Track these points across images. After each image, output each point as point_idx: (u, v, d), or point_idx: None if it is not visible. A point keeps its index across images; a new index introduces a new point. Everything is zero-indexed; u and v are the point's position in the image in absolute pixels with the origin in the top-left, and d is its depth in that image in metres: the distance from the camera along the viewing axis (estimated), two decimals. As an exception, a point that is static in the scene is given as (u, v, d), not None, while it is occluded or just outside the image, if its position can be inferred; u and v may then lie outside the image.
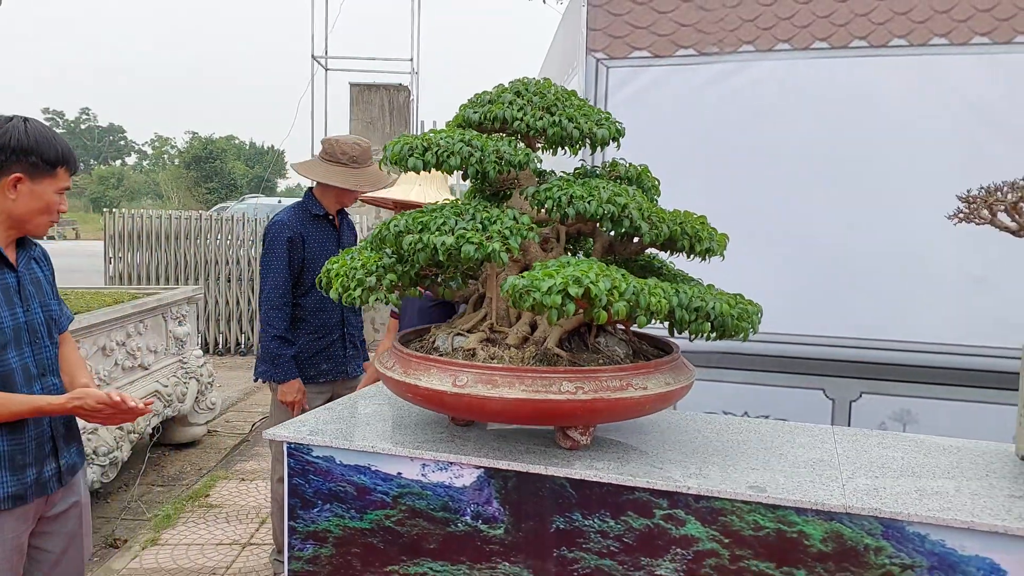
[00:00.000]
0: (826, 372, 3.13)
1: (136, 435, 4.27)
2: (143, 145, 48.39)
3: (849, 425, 3.10)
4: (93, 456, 3.77)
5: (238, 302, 9.30)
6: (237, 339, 9.35)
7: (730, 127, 3.18)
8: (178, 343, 5.15)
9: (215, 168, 38.69)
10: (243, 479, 4.36)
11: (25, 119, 2.00)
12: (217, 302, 9.35)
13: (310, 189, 3.49)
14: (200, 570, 3.34)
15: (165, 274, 9.41)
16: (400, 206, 3.24)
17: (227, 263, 9.36)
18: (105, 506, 4.08)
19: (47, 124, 2.06)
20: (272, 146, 47.35)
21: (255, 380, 3.36)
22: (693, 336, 1.81)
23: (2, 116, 2.02)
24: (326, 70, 9.97)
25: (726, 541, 1.73)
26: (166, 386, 4.79)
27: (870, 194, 3.02)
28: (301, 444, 1.99)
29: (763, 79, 3.13)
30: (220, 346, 9.38)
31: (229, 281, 9.32)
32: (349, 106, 10.18)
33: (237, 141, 45.71)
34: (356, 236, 3.67)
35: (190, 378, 5.16)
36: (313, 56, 9.71)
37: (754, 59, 3.14)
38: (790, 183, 3.11)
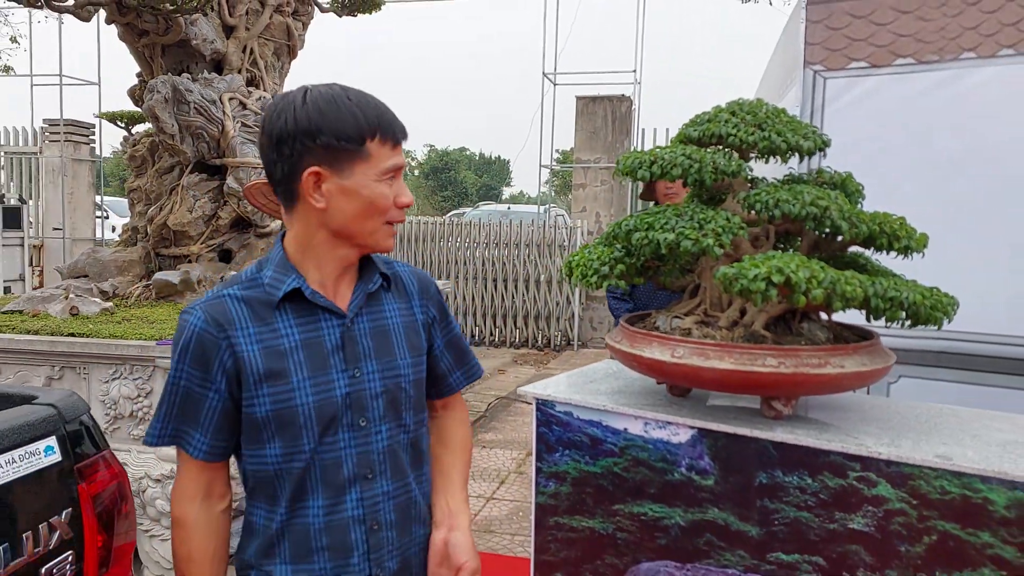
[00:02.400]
0: (1048, 374, 3.12)
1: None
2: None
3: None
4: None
5: (474, 298, 10.25)
6: (472, 332, 10.30)
7: (948, 132, 3.26)
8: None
9: (449, 178, 41.57)
10: (484, 447, 5.06)
11: (307, 89, 1.37)
12: (456, 298, 10.36)
13: None
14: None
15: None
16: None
17: (464, 263, 10.34)
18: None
19: (349, 87, 1.36)
20: (499, 156, 49.90)
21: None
22: (889, 323, 2.06)
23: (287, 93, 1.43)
24: (555, 85, 10.65)
25: (914, 503, 1.96)
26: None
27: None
28: (547, 400, 2.48)
29: (985, 84, 3.18)
30: (456, 339, 10.39)
31: (467, 279, 10.29)
32: (575, 117, 10.79)
33: (468, 152, 48.69)
34: None
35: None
36: (544, 73, 10.44)
37: (976, 65, 3.20)
38: (1011, 186, 3.14)
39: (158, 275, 4.35)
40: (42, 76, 11.91)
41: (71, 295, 3.93)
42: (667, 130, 10.49)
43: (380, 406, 1.44)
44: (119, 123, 7.91)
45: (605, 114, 10.86)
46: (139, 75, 4.98)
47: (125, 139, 5.52)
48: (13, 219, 10.89)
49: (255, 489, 1.42)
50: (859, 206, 2.40)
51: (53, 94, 12.02)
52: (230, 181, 4.46)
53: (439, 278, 10.39)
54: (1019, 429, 2.19)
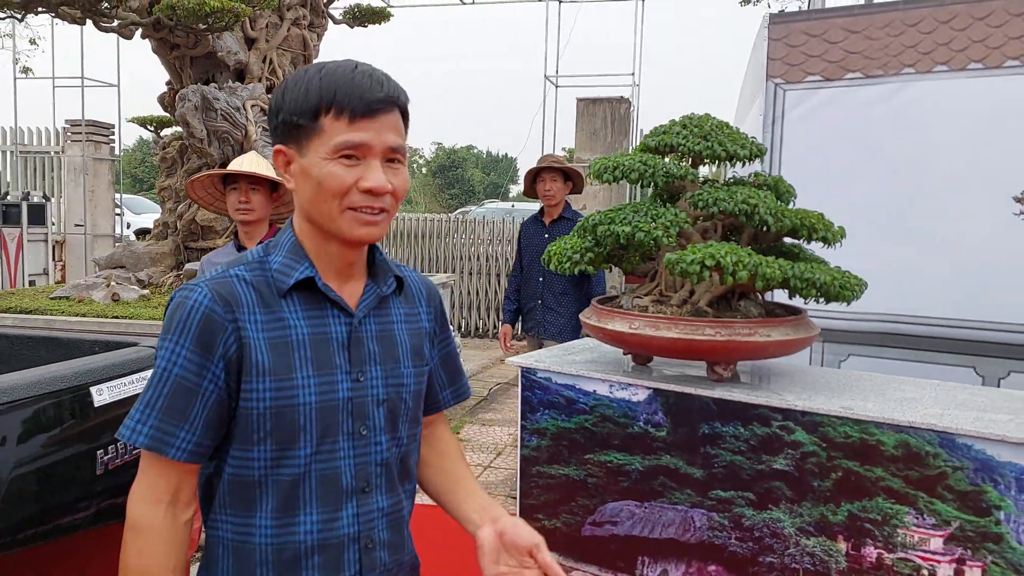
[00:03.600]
0: (977, 352, 3.54)
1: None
2: (396, 156, 53.73)
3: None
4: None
5: (478, 292, 10.71)
6: (477, 325, 10.76)
7: (892, 137, 3.69)
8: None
9: (456, 176, 42.02)
10: (484, 424, 5.55)
11: (307, 69, 1.26)
12: (460, 292, 10.83)
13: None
14: None
15: (419, 268, 11.06)
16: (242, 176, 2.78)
17: (469, 259, 10.80)
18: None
19: (362, 63, 1.23)
20: (506, 154, 50.36)
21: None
22: (806, 300, 2.51)
23: None
24: (556, 87, 11.09)
25: (823, 445, 2.40)
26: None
27: (1012, 200, 3.40)
28: (530, 368, 2.93)
29: (922, 96, 3.62)
30: (462, 329, 10.85)
31: (471, 274, 10.75)
32: (575, 118, 11.22)
33: (475, 150, 49.15)
34: None
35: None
36: (546, 76, 10.89)
37: (914, 79, 3.63)
38: (945, 188, 3.56)
39: (188, 265, 4.81)
40: (64, 79, 12.43)
41: (112, 283, 4.39)
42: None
43: (381, 415, 1.28)
44: (149, 127, 8.39)
45: (605, 115, 11.29)
46: (168, 83, 5.45)
47: (155, 142, 5.99)
48: (37, 216, 11.40)
49: (227, 497, 1.22)
50: (792, 204, 2.84)
51: (67, 95, 12.53)
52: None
53: (444, 273, 10.86)
54: (920, 390, 2.63)
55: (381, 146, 1.19)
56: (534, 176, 4.29)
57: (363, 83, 1.17)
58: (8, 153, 12.63)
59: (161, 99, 5.42)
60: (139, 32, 4.64)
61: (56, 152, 12.54)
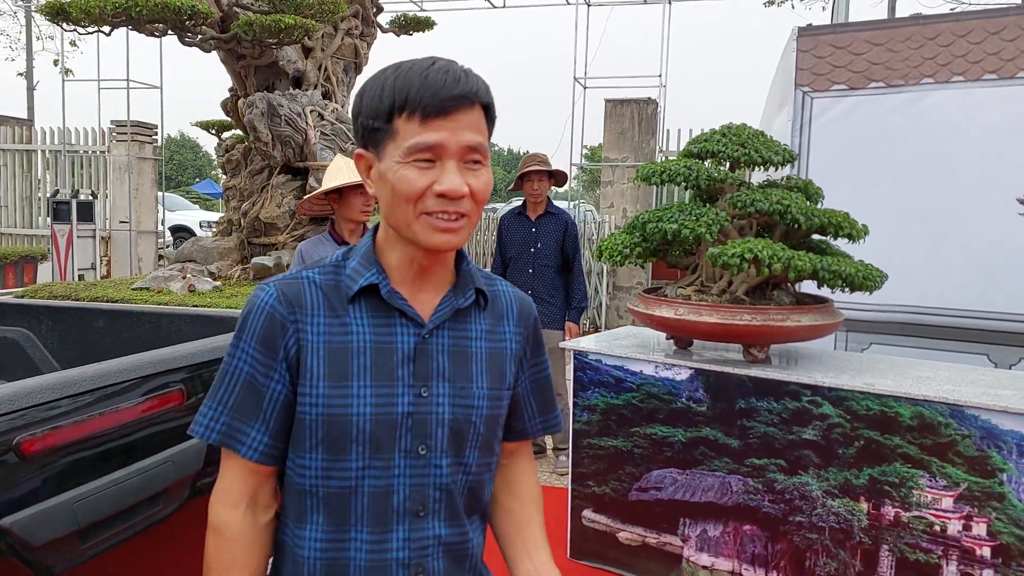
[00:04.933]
0: (990, 341, 3.84)
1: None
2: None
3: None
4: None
5: (507, 288, 11.04)
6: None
7: (912, 143, 3.99)
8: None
9: (478, 173, 42.37)
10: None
11: (385, 70, 1.18)
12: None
13: None
14: None
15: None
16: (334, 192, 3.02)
17: (493, 255, 11.14)
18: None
19: (439, 59, 1.15)
20: (528, 151, 50.59)
21: None
22: (832, 290, 2.83)
23: None
24: (585, 88, 11.40)
25: (848, 417, 2.72)
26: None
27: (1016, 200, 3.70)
28: (582, 351, 3.28)
29: (940, 105, 3.92)
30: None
31: (493, 270, 11.10)
32: (603, 119, 11.53)
33: (497, 148, 49.54)
34: None
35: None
36: (575, 77, 11.20)
37: (933, 89, 3.93)
38: (961, 189, 3.86)
39: (255, 259, 5.20)
40: (109, 80, 12.92)
41: (188, 275, 4.78)
42: (690, 131, 11.18)
43: (444, 436, 1.19)
44: (211, 131, 8.80)
45: (632, 115, 11.59)
46: (231, 90, 5.84)
47: (219, 145, 6.39)
48: (86, 213, 11.88)
49: (287, 503, 1.21)
50: (820, 204, 3.16)
51: (108, 97, 13.01)
52: (311, 181, 5.30)
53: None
54: (935, 371, 2.94)
55: (457, 146, 1.10)
56: (521, 175, 4.62)
57: (437, 80, 1.09)
58: (57, 153, 13.16)
59: (224, 104, 5.81)
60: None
61: (102, 151, 13.04)
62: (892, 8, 13.21)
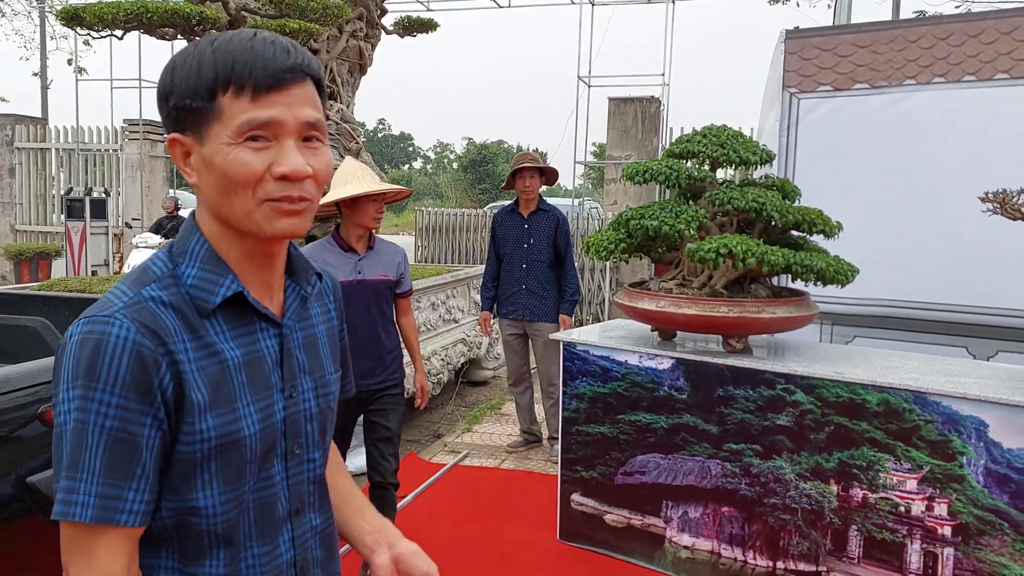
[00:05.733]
0: (969, 334, 3.97)
1: (452, 367, 6.07)
2: (428, 151, 54.40)
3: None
4: (429, 374, 5.55)
5: (512, 285, 11.22)
6: (510, 315, 11.28)
7: (894, 142, 4.12)
8: (476, 305, 6.93)
9: (487, 171, 42.52)
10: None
11: (198, 42, 1.05)
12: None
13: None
14: (496, 445, 5.12)
15: (453, 260, 11.59)
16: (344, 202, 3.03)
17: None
18: (429, 415, 5.89)
19: (258, 32, 1.05)
20: (536, 149, 50.78)
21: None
22: (806, 283, 2.98)
23: None
24: (589, 87, 11.54)
25: (819, 404, 2.87)
26: (469, 336, 6.56)
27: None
28: (571, 342, 3.43)
29: (922, 106, 4.05)
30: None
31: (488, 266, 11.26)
32: (607, 117, 11.67)
33: (506, 145, 49.69)
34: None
35: (482, 333, 6.92)
36: (579, 76, 11.34)
37: (915, 90, 4.06)
38: (941, 186, 3.99)
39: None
40: (121, 80, 13.14)
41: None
42: (693, 128, 11.33)
43: (314, 430, 1.17)
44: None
45: (635, 114, 11.72)
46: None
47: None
48: (99, 210, 12.12)
49: (172, 547, 1.07)
50: (798, 202, 3.30)
51: (120, 96, 13.21)
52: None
53: (478, 265, 11.39)
54: (904, 361, 3.08)
55: (295, 122, 1.01)
56: (513, 173, 4.77)
57: (265, 51, 0.99)
58: (71, 151, 13.40)
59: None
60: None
61: (114, 150, 13.27)
62: (896, 7, 13.28)
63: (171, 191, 13.71)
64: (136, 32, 4.96)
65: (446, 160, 49.87)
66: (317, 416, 1.17)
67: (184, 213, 11.43)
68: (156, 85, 1.05)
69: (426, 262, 11.60)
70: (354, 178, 2.95)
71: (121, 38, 4.74)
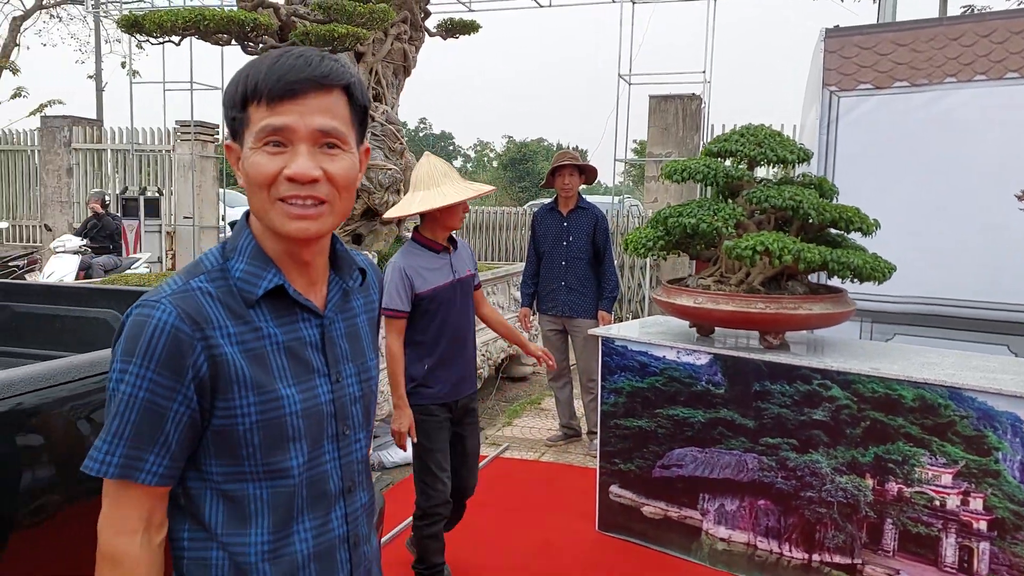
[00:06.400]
0: (1010, 332, 3.96)
1: (493, 362, 6.19)
2: (468, 149, 54.69)
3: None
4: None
5: (552, 282, 11.31)
6: (550, 313, 11.37)
7: (934, 140, 4.12)
8: (516, 302, 7.04)
9: (527, 169, 42.60)
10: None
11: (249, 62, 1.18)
12: (535, 282, 11.45)
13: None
14: (536, 439, 5.24)
15: (493, 257, 11.72)
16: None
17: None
18: (470, 410, 6.11)
19: (276, 51, 1.17)
20: (576, 146, 50.68)
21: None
22: (843, 280, 3.02)
23: None
24: (630, 85, 11.56)
25: (855, 399, 2.91)
26: (509, 333, 6.71)
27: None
28: (609, 337, 3.52)
29: (963, 104, 4.04)
30: (537, 318, 11.48)
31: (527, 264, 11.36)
32: (648, 115, 11.68)
33: (546, 143, 49.74)
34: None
35: (522, 329, 7.03)
36: (620, 74, 11.36)
37: (956, 88, 4.06)
38: (982, 184, 3.98)
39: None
40: (174, 83, 13.54)
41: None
42: (735, 125, 11.27)
43: (359, 412, 1.28)
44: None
45: (676, 111, 11.71)
46: (288, 93, 6.19)
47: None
48: (152, 209, 12.52)
49: (217, 516, 1.18)
50: (836, 200, 3.34)
51: (172, 98, 13.60)
52: (362, 179, 5.57)
53: (511, 263, 11.51)
54: (941, 357, 3.11)
55: (307, 129, 1.10)
56: (553, 171, 4.84)
57: (285, 64, 1.10)
58: (126, 151, 13.85)
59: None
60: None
61: (167, 150, 13.68)
62: (944, 2, 13.03)
63: (220, 190, 14.08)
64: (191, 37, 5.17)
65: (486, 158, 50.06)
66: (361, 399, 1.28)
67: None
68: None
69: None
70: (445, 179, 2.85)
71: (178, 44, 4.95)
